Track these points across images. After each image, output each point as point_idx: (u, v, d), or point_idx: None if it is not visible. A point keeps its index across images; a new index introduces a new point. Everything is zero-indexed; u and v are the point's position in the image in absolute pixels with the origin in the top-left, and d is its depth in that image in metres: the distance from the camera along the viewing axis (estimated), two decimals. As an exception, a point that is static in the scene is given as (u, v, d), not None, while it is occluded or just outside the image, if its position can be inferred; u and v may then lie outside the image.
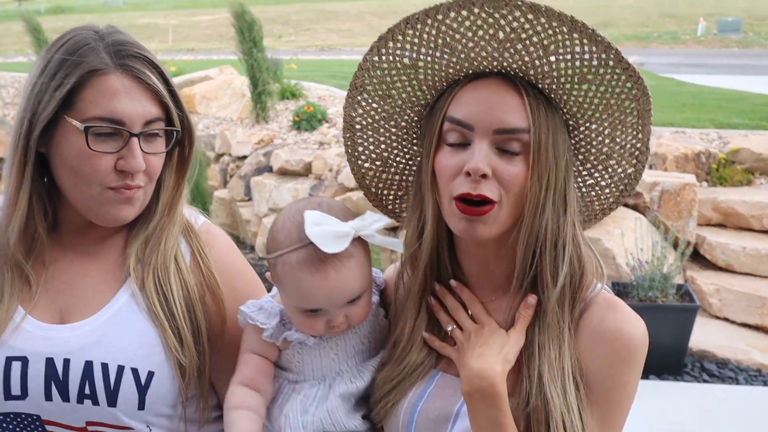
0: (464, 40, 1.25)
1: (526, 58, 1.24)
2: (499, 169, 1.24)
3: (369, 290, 1.40)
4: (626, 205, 5.98)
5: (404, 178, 1.49)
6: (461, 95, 1.29)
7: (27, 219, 1.42)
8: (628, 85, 1.26)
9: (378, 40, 1.31)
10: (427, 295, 1.39)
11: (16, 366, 1.38)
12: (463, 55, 1.27)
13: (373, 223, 1.36)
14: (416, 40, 1.28)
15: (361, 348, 1.43)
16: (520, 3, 1.19)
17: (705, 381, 5.13)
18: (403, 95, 1.36)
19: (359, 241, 1.34)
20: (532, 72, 1.26)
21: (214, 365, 1.53)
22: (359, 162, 1.47)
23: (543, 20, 1.20)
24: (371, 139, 1.44)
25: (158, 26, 34.01)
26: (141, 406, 1.42)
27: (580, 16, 1.21)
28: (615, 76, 1.25)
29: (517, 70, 1.27)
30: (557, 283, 1.26)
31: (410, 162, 1.47)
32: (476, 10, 1.21)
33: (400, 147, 1.45)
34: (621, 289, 5.23)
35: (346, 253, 1.31)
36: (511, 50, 1.24)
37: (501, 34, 1.23)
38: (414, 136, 1.43)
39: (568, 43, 1.22)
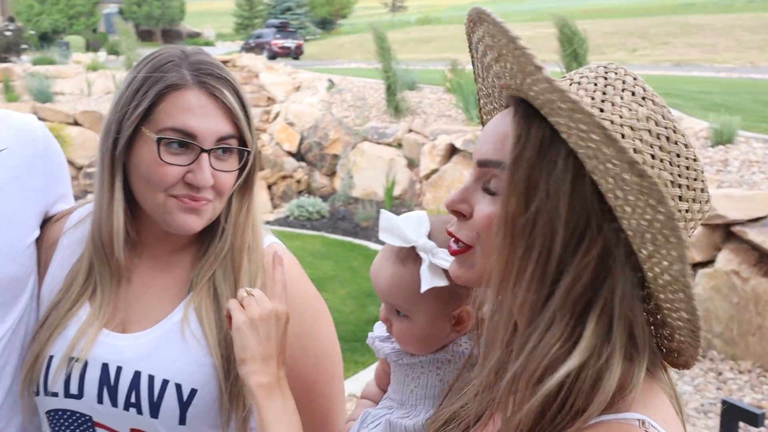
0: (485, 59, 1.07)
1: (517, 81, 0.97)
2: (475, 207, 1.02)
3: (417, 321, 1.32)
4: None
5: None
6: None
7: (126, 228, 1.50)
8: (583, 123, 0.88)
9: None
10: None
11: (77, 367, 1.47)
12: (491, 77, 1.10)
13: (441, 258, 1.25)
14: (474, 52, 1.12)
15: (439, 392, 1.35)
16: (476, 17, 1.01)
17: None
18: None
19: (417, 262, 1.28)
20: (529, 100, 0.97)
21: None
22: None
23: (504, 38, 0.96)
24: None
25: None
26: (182, 421, 1.44)
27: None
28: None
29: (525, 98, 0.98)
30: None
31: None
32: (481, 26, 1.03)
33: None
34: None
35: (396, 257, 1.31)
36: (505, 71, 1.01)
37: (489, 55, 1.04)
38: None
39: (523, 59, 0.93)
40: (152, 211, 1.47)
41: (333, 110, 14.20)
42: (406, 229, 1.29)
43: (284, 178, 13.55)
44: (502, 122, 1.00)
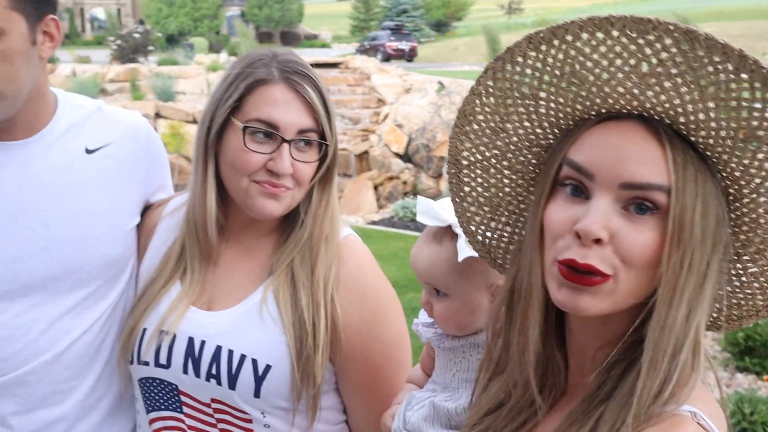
0: (597, 70, 0.98)
1: (676, 101, 0.93)
2: (620, 234, 0.95)
3: (457, 298, 1.38)
4: None
5: (516, 231, 1.23)
6: (588, 135, 1.01)
7: (217, 211, 1.63)
8: None
9: (495, 61, 1.08)
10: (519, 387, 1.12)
11: (167, 339, 1.61)
12: (594, 89, 0.99)
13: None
14: (539, 65, 1.03)
15: None
16: (672, 28, 0.89)
17: None
18: (520, 131, 1.12)
19: (454, 241, 1.34)
20: (682, 120, 0.95)
21: (340, 375, 1.67)
22: (464, 204, 1.25)
23: (701, 53, 0.89)
24: (480, 179, 1.21)
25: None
26: (257, 394, 1.56)
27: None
28: None
29: (662, 115, 0.97)
30: (652, 398, 0.93)
31: (525, 213, 1.20)
32: (615, 33, 0.93)
33: (513, 194, 1.19)
34: None
35: (432, 238, 1.39)
36: (657, 88, 0.94)
37: (645, 66, 0.94)
38: (531, 182, 1.17)
39: (733, 86, 0.90)
40: (237, 195, 1.59)
41: (441, 113, 14.18)
42: (440, 210, 1.36)
43: (391, 179, 13.65)
44: (642, 141, 0.96)
